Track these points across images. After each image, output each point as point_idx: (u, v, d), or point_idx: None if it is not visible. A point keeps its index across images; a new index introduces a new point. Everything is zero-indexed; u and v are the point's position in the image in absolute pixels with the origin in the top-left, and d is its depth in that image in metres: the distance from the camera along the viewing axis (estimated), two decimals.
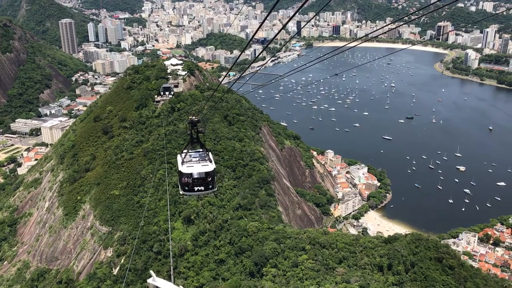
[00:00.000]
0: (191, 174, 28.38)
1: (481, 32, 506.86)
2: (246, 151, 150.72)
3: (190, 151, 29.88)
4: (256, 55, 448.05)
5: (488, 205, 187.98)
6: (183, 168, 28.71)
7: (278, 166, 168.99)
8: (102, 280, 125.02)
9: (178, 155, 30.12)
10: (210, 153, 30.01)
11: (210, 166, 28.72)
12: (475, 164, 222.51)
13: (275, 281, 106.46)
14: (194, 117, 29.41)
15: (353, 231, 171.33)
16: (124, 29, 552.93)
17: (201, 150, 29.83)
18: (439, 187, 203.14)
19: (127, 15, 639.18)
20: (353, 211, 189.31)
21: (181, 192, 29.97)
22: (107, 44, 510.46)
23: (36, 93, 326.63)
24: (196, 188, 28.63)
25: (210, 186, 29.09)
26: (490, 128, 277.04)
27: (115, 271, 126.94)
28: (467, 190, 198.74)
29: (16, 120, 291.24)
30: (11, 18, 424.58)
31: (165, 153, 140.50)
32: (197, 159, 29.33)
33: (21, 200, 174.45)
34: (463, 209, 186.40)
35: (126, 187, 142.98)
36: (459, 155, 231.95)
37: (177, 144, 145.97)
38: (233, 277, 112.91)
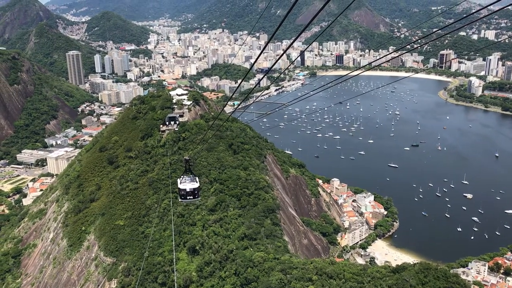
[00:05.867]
0: (185, 189, 47.05)
1: (484, 59, 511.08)
2: (251, 180, 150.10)
3: (185, 176, 48.25)
4: (260, 84, 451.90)
5: (497, 233, 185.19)
6: (181, 186, 47.31)
7: (284, 195, 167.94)
8: None
9: (178, 179, 48.82)
10: (197, 177, 48.55)
11: (196, 184, 47.44)
12: (482, 191, 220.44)
13: None
14: (187, 157, 49.81)
15: (360, 260, 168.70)
16: (130, 60, 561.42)
17: (192, 175, 48.28)
18: (446, 215, 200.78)
19: (133, 47, 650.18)
20: (360, 240, 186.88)
21: (179, 200, 48.43)
22: (113, 75, 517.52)
23: (43, 124, 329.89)
24: (188, 197, 47.27)
25: (197, 196, 47.76)
26: (496, 155, 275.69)
27: None
28: (475, 218, 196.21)
29: (22, 151, 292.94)
30: (20, 51, 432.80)
31: (170, 182, 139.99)
32: (189, 180, 47.75)
33: (26, 231, 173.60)
34: (472, 238, 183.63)
35: (131, 217, 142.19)
36: (466, 182, 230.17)
37: (181, 173, 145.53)
38: None
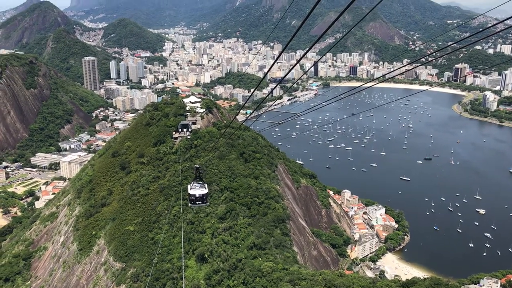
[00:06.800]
0: (195, 195, 50.62)
1: (499, 74, 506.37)
2: (261, 189, 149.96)
3: (194, 182, 51.83)
4: (273, 94, 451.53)
5: (510, 250, 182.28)
6: (191, 191, 50.98)
7: (294, 205, 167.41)
8: None
9: (188, 185, 52.66)
10: (206, 184, 52.37)
11: (205, 191, 50.98)
12: (495, 207, 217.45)
13: None
14: (197, 165, 56.10)
15: (370, 274, 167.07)
16: (145, 67, 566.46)
17: (201, 182, 51.94)
18: (458, 230, 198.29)
19: (148, 54, 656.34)
20: (370, 253, 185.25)
21: (189, 205, 51.92)
22: (128, 81, 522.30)
23: (57, 128, 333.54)
24: (197, 202, 50.81)
25: (205, 202, 51.30)
26: (511, 170, 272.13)
27: None
28: (487, 234, 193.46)
29: (36, 154, 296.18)
30: (37, 55, 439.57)
31: (181, 189, 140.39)
32: (198, 186, 51.34)
33: (37, 233, 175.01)
34: (484, 254, 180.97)
35: (141, 223, 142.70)
36: (478, 197, 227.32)
37: (191, 180, 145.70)
38: None
